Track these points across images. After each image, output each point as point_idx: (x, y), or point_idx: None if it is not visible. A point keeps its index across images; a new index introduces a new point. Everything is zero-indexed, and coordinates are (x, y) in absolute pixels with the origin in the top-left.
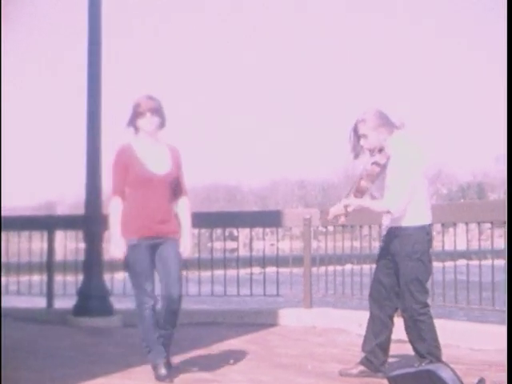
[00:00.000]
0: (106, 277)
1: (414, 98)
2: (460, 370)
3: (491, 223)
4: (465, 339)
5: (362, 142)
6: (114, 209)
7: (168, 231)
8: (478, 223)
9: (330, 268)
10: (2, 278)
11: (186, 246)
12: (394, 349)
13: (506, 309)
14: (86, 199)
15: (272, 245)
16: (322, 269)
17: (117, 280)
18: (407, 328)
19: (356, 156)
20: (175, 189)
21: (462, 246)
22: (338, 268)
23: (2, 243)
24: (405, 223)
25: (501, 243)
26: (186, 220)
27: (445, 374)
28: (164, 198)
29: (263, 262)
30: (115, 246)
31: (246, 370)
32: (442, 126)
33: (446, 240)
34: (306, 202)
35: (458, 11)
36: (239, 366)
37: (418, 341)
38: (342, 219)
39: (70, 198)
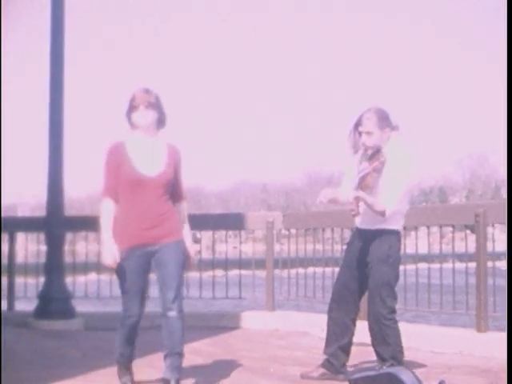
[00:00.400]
0: (68, 279)
1: (374, 101)
2: (421, 373)
3: (452, 227)
4: (426, 342)
5: (364, 138)
6: (104, 212)
7: (162, 236)
8: (440, 227)
9: (293, 271)
10: None
11: (191, 249)
12: (355, 352)
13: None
14: (47, 201)
15: (235, 247)
16: (285, 272)
17: (78, 282)
18: (372, 331)
19: (355, 152)
20: (171, 191)
21: (423, 250)
22: (301, 271)
23: None
24: (383, 226)
25: (462, 247)
26: (184, 229)
27: (405, 377)
28: (156, 202)
29: (226, 264)
30: (107, 253)
31: (208, 373)
32: (404, 129)
33: (408, 243)
34: (268, 205)
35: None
36: (201, 368)
37: (382, 345)
38: (356, 211)
39: (31, 199)
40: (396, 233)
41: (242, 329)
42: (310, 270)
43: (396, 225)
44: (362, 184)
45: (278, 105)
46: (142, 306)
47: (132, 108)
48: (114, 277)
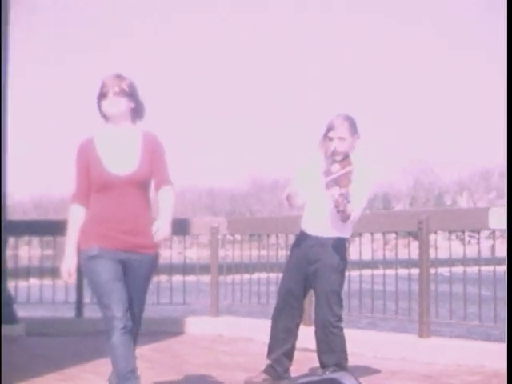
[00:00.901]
0: (10, 284)
1: (326, 108)
2: (364, 378)
3: (396, 233)
4: (369, 348)
5: (336, 143)
6: (71, 221)
7: (139, 245)
8: (383, 233)
9: (238, 277)
10: None
11: (162, 226)
12: (299, 357)
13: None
14: None
15: (179, 253)
16: (230, 277)
17: (21, 287)
18: (318, 339)
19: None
20: (154, 180)
21: (367, 256)
22: (246, 277)
23: None
24: (336, 234)
25: (405, 253)
26: (167, 203)
27: (348, 382)
28: (135, 204)
29: (170, 270)
30: (64, 268)
31: (150, 379)
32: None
33: (352, 250)
34: (213, 210)
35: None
36: (144, 374)
37: (328, 352)
38: (342, 208)
39: None
40: (345, 240)
41: (185, 334)
42: (255, 275)
43: (348, 233)
44: (341, 184)
45: (225, 110)
46: (126, 311)
47: (101, 96)
48: (59, 282)
